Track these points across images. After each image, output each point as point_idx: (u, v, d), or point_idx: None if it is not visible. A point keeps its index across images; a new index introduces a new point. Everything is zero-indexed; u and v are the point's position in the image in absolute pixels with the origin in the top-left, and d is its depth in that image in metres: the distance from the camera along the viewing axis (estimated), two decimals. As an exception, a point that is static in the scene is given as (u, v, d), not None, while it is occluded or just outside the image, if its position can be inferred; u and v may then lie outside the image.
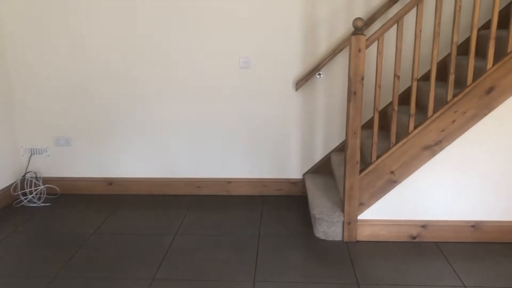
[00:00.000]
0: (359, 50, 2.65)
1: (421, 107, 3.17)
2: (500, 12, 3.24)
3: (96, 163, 3.72)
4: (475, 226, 2.88)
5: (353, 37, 2.64)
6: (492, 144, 2.76)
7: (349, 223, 2.91)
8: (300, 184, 3.70)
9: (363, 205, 2.89)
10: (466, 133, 2.75)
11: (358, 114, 2.75)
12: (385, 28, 2.65)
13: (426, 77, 3.39)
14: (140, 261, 2.70)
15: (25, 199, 3.60)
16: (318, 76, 3.47)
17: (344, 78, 3.48)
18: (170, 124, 3.62)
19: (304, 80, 3.44)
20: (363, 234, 2.94)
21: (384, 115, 3.52)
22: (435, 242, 2.91)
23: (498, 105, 2.69)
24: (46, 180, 3.73)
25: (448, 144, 2.76)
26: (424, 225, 2.90)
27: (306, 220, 3.26)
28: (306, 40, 3.43)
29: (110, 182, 3.75)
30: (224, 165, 3.69)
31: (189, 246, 2.89)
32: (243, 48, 3.45)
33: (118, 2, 3.40)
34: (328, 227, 2.95)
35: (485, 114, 2.70)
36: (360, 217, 2.91)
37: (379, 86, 2.74)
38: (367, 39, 2.65)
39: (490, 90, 2.66)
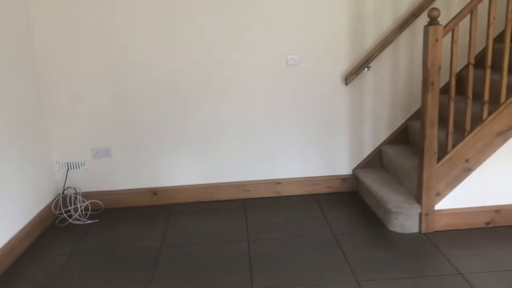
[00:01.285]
0: (436, 40, 2.65)
1: (476, 95, 3.21)
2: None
3: (138, 173, 3.54)
4: (546, 207, 2.95)
5: (430, 27, 2.63)
6: (562, 126, 2.83)
7: (426, 214, 2.91)
8: (349, 180, 3.67)
9: (439, 195, 2.90)
10: (537, 117, 2.81)
11: (435, 105, 2.75)
12: (460, 17, 2.66)
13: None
14: (229, 270, 2.58)
15: (69, 216, 3.37)
16: (366, 70, 3.45)
17: (393, 71, 3.48)
18: (214, 127, 3.49)
19: (354, 75, 3.42)
20: (440, 224, 2.94)
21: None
22: (508, 226, 2.95)
23: None
24: (85, 195, 3.51)
25: (520, 129, 2.82)
26: (498, 210, 2.94)
27: (371, 215, 3.23)
28: (354, 33, 3.40)
29: (154, 192, 3.58)
30: (272, 166, 3.60)
31: (268, 250, 2.79)
32: (290, 44, 3.38)
33: (156, 5, 3.24)
34: (405, 220, 2.94)
35: (555, 97, 2.77)
36: (436, 207, 2.92)
37: (455, 76, 2.75)
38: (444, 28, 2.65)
39: (559, 74, 2.73)
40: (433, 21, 2.64)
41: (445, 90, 3.40)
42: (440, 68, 2.69)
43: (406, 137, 3.60)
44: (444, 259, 2.61)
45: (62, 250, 2.93)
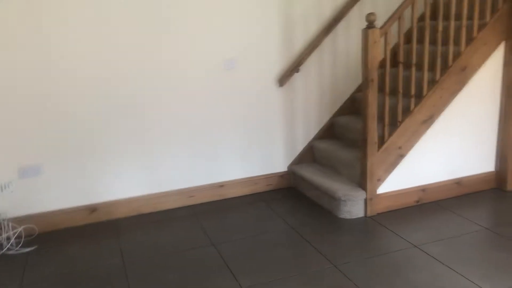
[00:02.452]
0: (374, 42, 2.97)
1: (392, 90, 3.64)
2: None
3: (74, 190, 3.27)
4: (459, 182, 3.49)
5: (369, 30, 2.94)
6: (468, 111, 3.38)
7: (371, 199, 3.23)
8: (287, 176, 3.86)
9: (380, 181, 3.24)
10: (449, 105, 3.31)
11: (375, 100, 3.07)
12: (391, 22, 3.02)
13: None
14: (212, 275, 2.56)
15: (-1, 247, 2.97)
16: (296, 72, 3.68)
17: (319, 73, 3.77)
18: (153, 135, 3.40)
19: (286, 77, 3.62)
20: (381, 206, 3.28)
21: (354, 101, 3.92)
22: (433, 202, 3.42)
23: (469, 80, 3.31)
24: (16, 221, 3.12)
25: (438, 117, 3.29)
26: (424, 189, 3.39)
27: (317, 206, 3.45)
28: (285, 38, 3.61)
29: (93, 208, 3.33)
30: (214, 169, 3.62)
31: (239, 250, 2.83)
32: (226, 49, 3.45)
33: (90, 11, 3.05)
34: (352, 206, 3.22)
35: (461, 88, 3.30)
36: (378, 191, 3.25)
37: (387, 75, 3.11)
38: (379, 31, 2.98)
39: (464, 69, 3.27)
40: (370, 24, 2.95)
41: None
42: (378, 67, 3.02)
43: (332, 132, 3.92)
44: (397, 236, 2.93)
45: (9, 286, 2.59)
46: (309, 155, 3.89)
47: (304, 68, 3.70)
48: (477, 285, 2.36)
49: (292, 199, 3.61)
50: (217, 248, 2.87)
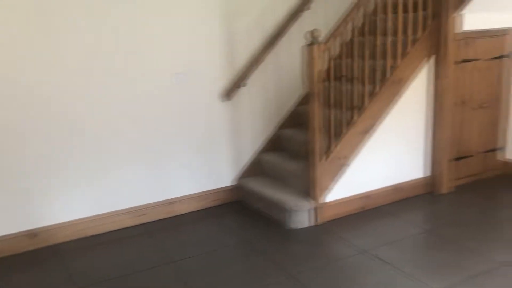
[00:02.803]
0: (319, 56, 3.10)
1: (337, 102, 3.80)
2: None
3: (11, 216, 3.08)
4: (398, 187, 3.70)
5: (314, 46, 3.06)
6: (402, 121, 3.61)
7: (320, 208, 3.33)
8: (234, 190, 3.88)
9: (327, 190, 3.36)
10: (387, 116, 3.51)
11: (320, 112, 3.19)
12: (334, 38, 3.17)
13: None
14: (169, 295, 2.52)
15: None
16: (242, 87, 3.73)
17: (264, 87, 3.85)
18: (99, 154, 3.29)
19: (232, 91, 3.67)
20: (329, 214, 3.40)
21: (297, 114, 4.04)
22: (376, 207, 3.59)
23: (403, 91, 3.54)
24: None
25: (377, 127, 3.48)
26: (368, 195, 3.56)
27: (266, 217, 3.51)
28: (231, 53, 3.66)
29: (34, 234, 3.15)
30: (164, 186, 3.57)
31: (200, 266, 2.80)
32: (174, 65, 3.44)
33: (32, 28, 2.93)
34: (301, 216, 3.31)
35: (397, 100, 3.52)
36: (326, 200, 3.37)
37: (333, 88, 3.25)
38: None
39: (399, 81, 3.49)
40: (315, 40, 3.08)
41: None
42: (322, 81, 3.16)
43: (278, 144, 4.00)
44: (346, 242, 3.05)
45: None
46: (256, 168, 3.95)
47: (249, 82, 3.76)
48: (426, 283, 2.52)
49: (242, 213, 3.64)
50: (174, 266, 2.83)
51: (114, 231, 3.39)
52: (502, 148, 4.14)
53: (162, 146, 3.50)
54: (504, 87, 4.01)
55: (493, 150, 4.11)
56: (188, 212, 3.68)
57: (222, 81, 3.65)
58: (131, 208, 3.45)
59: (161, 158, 3.51)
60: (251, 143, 3.90)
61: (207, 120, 3.65)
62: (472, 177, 4.04)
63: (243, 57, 3.72)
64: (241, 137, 3.84)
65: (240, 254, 2.95)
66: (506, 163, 4.15)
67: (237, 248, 3.04)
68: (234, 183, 3.88)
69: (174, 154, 3.56)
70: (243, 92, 3.76)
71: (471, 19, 3.60)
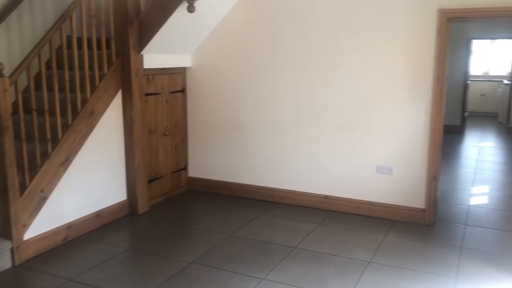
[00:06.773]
0: (5, 90, 3.01)
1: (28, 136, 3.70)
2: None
3: None
4: (99, 214, 3.87)
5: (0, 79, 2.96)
6: (100, 150, 3.82)
7: (18, 247, 3.18)
8: None
9: (25, 226, 3.24)
10: (84, 146, 3.66)
11: (11, 146, 3.08)
12: (20, 71, 3.14)
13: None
14: None
15: None
16: None
17: None
18: None
19: None
20: (30, 252, 3.28)
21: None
22: (78, 237, 3.67)
23: (97, 122, 3.78)
24: None
25: (74, 158, 3.59)
26: (69, 226, 3.60)
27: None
28: None
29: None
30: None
31: None
32: None
33: None
34: (-1, 259, 3.09)
35: (91, 130, 3.72)
36: (24, 237, 3.24)
37: (22, 121, 3.18)
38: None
39: (91, 113, 3.71)
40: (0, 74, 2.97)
41: None
42: (12, 114, 3.06)
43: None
44: (51, 276, 3.03)
45: None
46: None
47: None
48: (130, 295, 2.78)
49: None
50: None
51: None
52: (185, 168, 4.86)
53: None
54: (182, 117, 4.75)
55: (179, 170, 4.78)
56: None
57: None
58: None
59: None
60: None
61: None
62: (165, 195, 4.59)
63: None
64: None
65: None
66: (189, 180, 4.89)
67: None
68: None
69: None
70: None
71: (151, 59, 4.15)
